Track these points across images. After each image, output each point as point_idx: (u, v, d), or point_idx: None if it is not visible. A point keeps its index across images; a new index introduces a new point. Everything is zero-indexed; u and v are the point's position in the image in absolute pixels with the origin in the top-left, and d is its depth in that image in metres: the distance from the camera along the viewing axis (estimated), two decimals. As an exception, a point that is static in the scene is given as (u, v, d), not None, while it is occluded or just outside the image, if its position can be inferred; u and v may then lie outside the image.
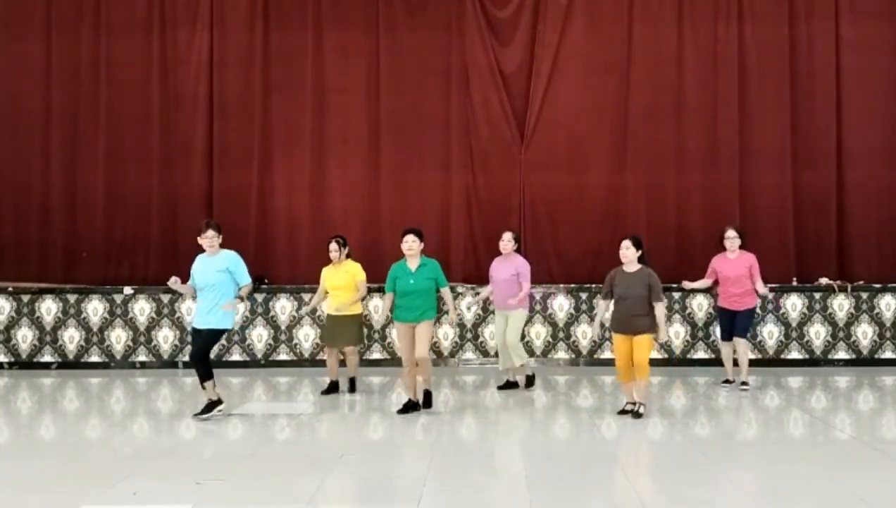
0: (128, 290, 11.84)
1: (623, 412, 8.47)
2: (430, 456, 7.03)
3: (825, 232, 12.30)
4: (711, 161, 12.36)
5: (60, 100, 12.59)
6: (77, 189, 12.53)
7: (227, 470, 6.65)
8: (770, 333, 11.68)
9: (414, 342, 8.42)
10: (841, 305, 11.74)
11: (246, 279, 8.50)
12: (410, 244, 8.50)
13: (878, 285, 11.85)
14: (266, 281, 11.99)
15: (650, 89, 12.39)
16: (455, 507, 5.93)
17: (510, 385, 9.96)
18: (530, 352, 11.74)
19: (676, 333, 11.73)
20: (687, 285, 10.23)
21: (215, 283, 8.35)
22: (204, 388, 8.47)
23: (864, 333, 11.73)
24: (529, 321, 11.33)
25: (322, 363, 11.57)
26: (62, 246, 12.51)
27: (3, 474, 6.63)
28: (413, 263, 8.49)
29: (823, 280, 11.92)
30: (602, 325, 9.72)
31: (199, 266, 8.50)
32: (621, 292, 8.31)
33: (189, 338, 11.73)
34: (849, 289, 11.76)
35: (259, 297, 11.69)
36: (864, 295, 11.76)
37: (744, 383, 9.84)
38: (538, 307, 11.69)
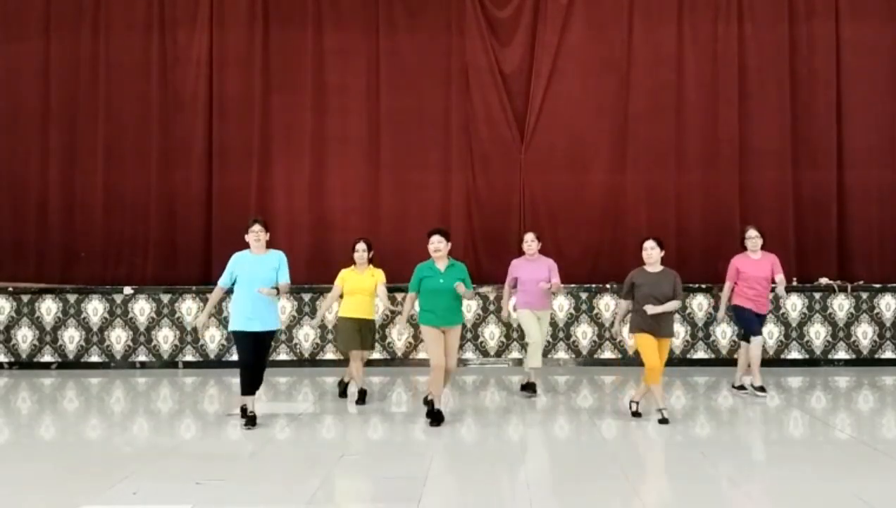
0: (128, 290, 11.84)
1: (663, 420, 8.23)
2: (430, 456, 7.03)
3: (825, 232, 12.30)
4: (711, 161, 12.36)
5: (59, 99, 12.58)
6: (75, 189, 12.53)
7: (227, 470, 6.64)
8: (770, 333, 11.68)
9: (445, 347, 8.16)
10: (841, 305, 11.74)
11: (286, 278, 8.15)
12: (437, 245, 8.24)
13: (878, 285, 11.86)
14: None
15: (650, 89, 12.39)
16: (455, 507, 5.93)
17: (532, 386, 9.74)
18: (530, 352, 11.76)
19: (676, 332, 11.72)
20: (722, 308, 9.96)
21: (266, 281, 7.99)
22: (246, 396, 8.14)
23: (864, 333, 11.73)
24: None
25: (322, 364, 11.63)
26: (60, 246, 12.49)
27: (3, 474, 6.63)
28: (441, 264, 8.32)
29: (823, 280, 11.92)
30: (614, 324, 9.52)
31: (248, 265, 8.09)
32: (647, 292, 8.20)
33: (189, 338, 11.76)
34: (849, 289, 11.76)
35: (259, 297, 11.67)
36: (864, 295, 11.76)
37: (741, 386, 9.80)
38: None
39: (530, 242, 9.68)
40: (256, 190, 12.47)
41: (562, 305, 11.76)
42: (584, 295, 11.77)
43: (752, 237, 9.60)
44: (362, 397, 9.25)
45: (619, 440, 7.81)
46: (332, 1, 12.55)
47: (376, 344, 11.55)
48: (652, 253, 8.33)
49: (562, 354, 11.75)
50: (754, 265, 9.53)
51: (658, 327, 8.19)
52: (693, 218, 12.30)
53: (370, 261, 9.38)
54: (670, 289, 8.19)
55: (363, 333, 9.20)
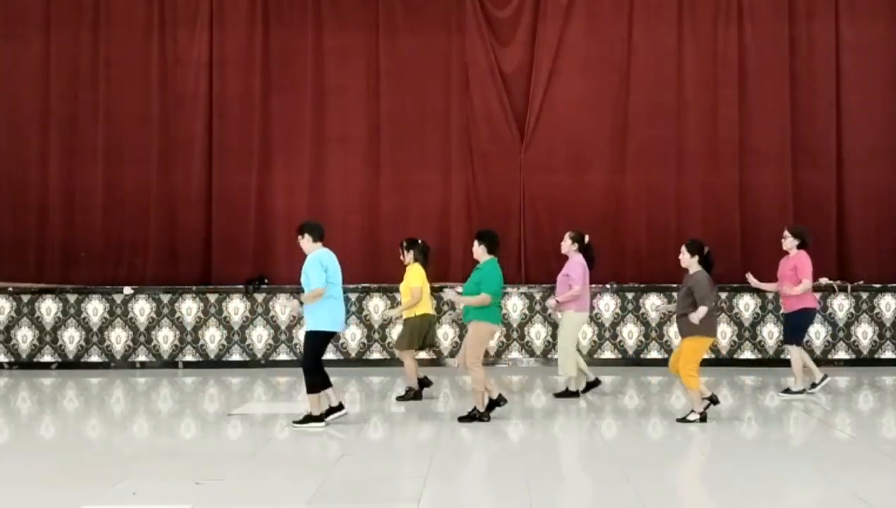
0: (128, 290, 11.84)
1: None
2: (430, 456, 7.03)
3: (825, 232, 12.28)
4: (711, 161, 12.36)
5: (59, 99, 12.55)
6: (75, 189, 12.50)
7: (227, 470, 6.64)
8: (770, 333, 11.68)
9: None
10: (841, 305, 11.74)
11: (311, 283, 7.86)
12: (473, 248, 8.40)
13: (878, 285, 11.85)
14: (266, 281, 11.98)
15: (650, 89, 12.38)
16: (455, 507, 5.94)
17: (589, 386, 9.59)
18: (530, 352, 11.75)
19: (676, 333, 11.71)
20: (763, 285, 10.00)
21: (302, 284, 8.01)
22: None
23: (864, 333, 11.73)
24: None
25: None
26: (60, 246, 12.46)
27: (3, 473, 6.63)
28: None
29: (823, 280, 11.89)
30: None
31: None
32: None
33: (189, 338, 11.77)
34: (849, 289, 11.75)
35: (259, 297, 11.69)
36: (864, 295, 11.76)
37: (794, 390, 9.55)
38: (538, 307, 11.69)
39: (562, 241, 9.64)
40: (256, 190, 12.46)
41: (562, 305, 11.73)
42: (584, 295, 11.74)
43: (783, 238, 9.67)
44: (405, 394, 9.39)
45: (618, 439, 7.81)
46: (332, 1, 12.53)
47: (376, 344, 11.61)
48: (680, 258, 8.34)
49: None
50: (781, 265, 9.63)
51: (679, 326, 8.32)
52: (693, 218, 12.29)
53: (417, 260, 9.33)
54: (683, 292, 8.18)
55: (401, 331, 9.45)
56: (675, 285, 11.49)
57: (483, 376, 8.17)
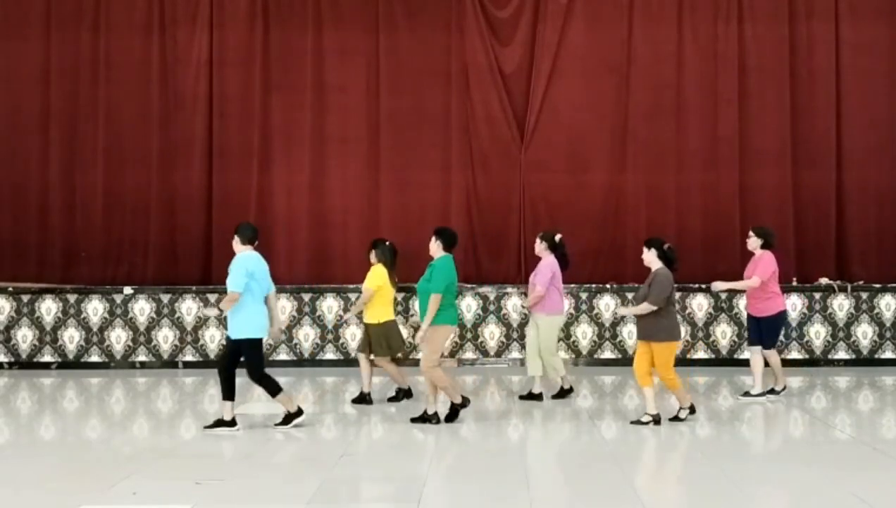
0: (128, 290, 11.84)
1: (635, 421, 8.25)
2: (430, 456, 7.03)
3: (825, 232, 12.31)
4: (711, 161, 12.37)
5: (59, 99, 12.56)
6: (76, 189, 12.51)
7: (227, 470, 6.65)
8: (770, 333, 11.68)
9: None
10: (841, 305, 11.74)
11: (230, 286, 7.67)
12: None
13: (878, 285, 11.86)
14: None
15: (650, 89, 12.39)
16: (455, 507, 5.94)
17: (565, 393, 9.48)
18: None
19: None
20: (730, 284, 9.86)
21: (227, 285, 7.83)
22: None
23: (864, 333, 11.73)
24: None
25: (322, 364, 11.64)
26: (60, 246, 12.47)
27: (3, 474, 6.64)
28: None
29: (823, 280, 11.92)
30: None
31: None
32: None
33: (189, 338, 11.77)
34: (849, 289, 11.76)
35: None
36: (864, 295, 11.76)
37: (745, 393, 9.46)
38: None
39: (536, 242, 9.59)
40: (256, 190, 12.47)
41: (562, 305, 11.73)
42: (584, 295, 11.77)
43: (748, 238, 9.53)
44: (359, 399, 9.28)
45: (618, 440, 7.81)
46: (332, 1, 12.55)
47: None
48: (643, 257, 8.28)
49: (561, 354, 11.70)
50: (748, 266, 9.46)
51: (638, 328, 8.22)
52: (693, 218, 12.31)
53: (383, 261, 9.15)
54: (644, 291, 8.09)
55: (365, 335, 9.27)
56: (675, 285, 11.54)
57: (442, 375, 8.16)
